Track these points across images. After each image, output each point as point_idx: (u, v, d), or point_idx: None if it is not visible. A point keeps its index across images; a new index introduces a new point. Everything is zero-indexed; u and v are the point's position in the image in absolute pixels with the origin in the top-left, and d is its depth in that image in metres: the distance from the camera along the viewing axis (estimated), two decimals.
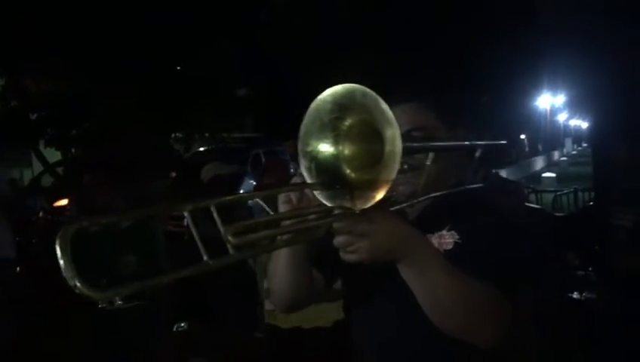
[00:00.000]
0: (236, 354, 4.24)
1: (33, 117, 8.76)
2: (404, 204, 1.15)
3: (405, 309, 1.26)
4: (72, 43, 6.85)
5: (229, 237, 1.02)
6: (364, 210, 1.10)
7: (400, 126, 1.21)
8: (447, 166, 1.43)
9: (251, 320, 4.86)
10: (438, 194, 1.37)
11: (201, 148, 13.59)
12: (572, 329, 4.79)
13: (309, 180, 1.15)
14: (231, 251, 1.03)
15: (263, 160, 12.66)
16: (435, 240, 1.36)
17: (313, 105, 1.12)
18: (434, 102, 1.46)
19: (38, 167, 13.13)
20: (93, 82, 7.30)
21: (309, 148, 1.14)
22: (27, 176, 15.12)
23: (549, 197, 12.68)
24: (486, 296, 1.20)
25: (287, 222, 1.17)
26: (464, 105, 1.60)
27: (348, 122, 1.12)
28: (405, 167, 1.26)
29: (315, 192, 1.16)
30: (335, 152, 1.13)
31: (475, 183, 1.49)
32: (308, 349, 2.94)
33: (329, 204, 1.14)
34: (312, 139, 1.14)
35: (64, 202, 10.84)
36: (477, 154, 1.45)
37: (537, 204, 11.57)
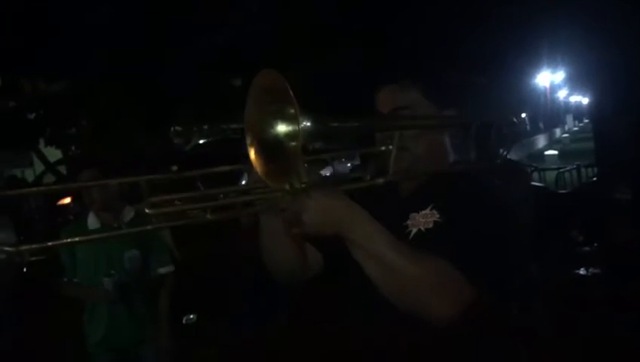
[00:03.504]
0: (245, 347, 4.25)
1: (31, 116, 8.77)
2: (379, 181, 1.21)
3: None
4: (65, 41, 6.83)
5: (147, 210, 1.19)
6: (308, 188, 1.16)
7: (385, 107, 1.30)
8: (438, 144, 1.44)
9: (266, 314, 4.86)
10: (429, 172, 1.38)
11: (202, 141, 13.60)
12: (578, 304, 4.79)
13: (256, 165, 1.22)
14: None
15: None
16: (419, 218, 1.37)
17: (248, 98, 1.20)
18: (419, 81, 1.45)
19: (39, 166, 13.14)
20: (88, 79, 7.30)
21: (251, 138, 1.23)
22: (29, 175, 15.13)
23: (552, 175, 12.66)
24: (437, 274, 1.18)
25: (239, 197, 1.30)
26: (453, 84, 1.58)
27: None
28: (390, 147, 1.30)
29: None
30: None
31: (481, 164, 1.44)
32: None
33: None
34: (252, 125, 1.23)
35: (67, 200, 10.87)
36: (472, 131, 1.40)
37: (541, 182, 11.57)
